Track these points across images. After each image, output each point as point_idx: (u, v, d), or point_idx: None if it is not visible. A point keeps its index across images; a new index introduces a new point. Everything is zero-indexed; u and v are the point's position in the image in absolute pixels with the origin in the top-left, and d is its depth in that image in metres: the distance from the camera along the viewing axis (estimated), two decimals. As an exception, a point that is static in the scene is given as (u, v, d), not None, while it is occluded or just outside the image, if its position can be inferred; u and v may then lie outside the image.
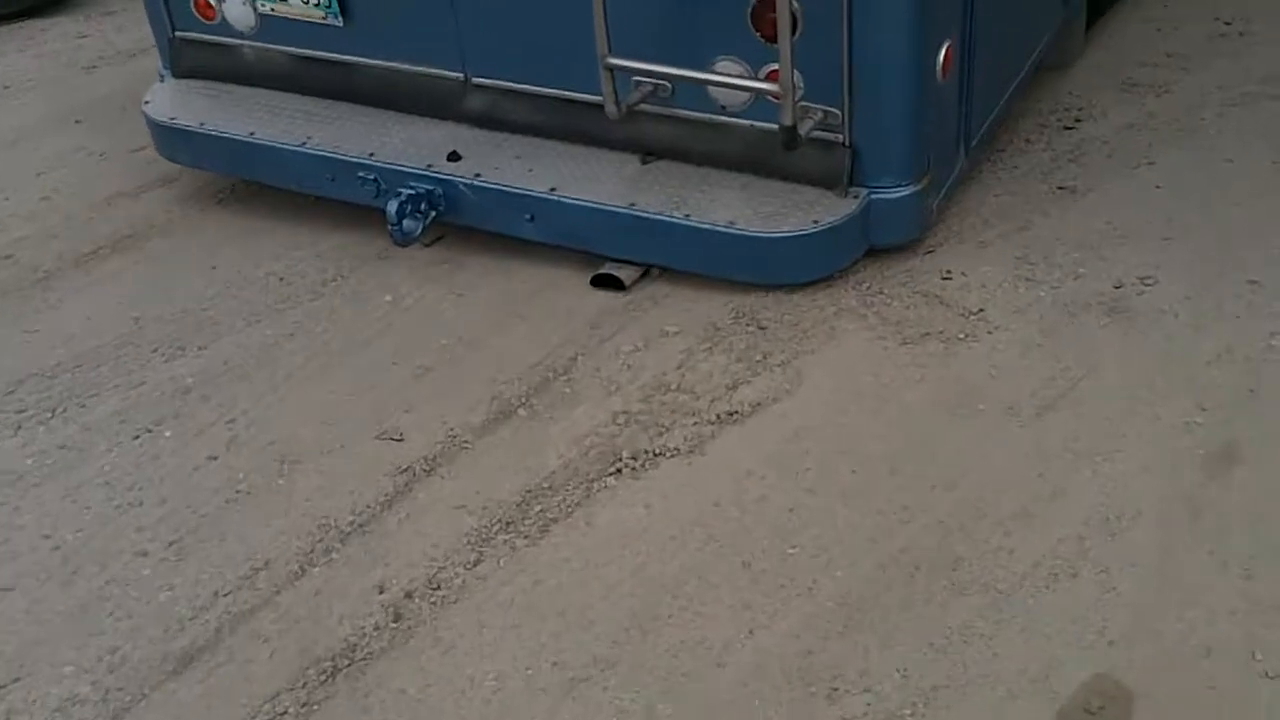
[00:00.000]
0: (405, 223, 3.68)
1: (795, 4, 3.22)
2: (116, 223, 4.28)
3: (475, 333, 3.58)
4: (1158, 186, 4.03)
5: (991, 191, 4.09)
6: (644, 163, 3.72)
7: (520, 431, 3.19)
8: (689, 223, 3.49)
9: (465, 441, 3.16)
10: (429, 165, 3.78)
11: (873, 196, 3.52)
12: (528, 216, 3.68)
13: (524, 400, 3.29)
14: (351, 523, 2.92)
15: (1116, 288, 3.55)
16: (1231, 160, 4.14)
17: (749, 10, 3.37)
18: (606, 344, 3.47)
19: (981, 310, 3.49)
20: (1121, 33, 5.01)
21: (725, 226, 3.46)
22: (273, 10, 4.05)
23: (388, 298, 3.76)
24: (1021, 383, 3.21)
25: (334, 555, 2.84)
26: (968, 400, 3.17)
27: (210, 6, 4.18)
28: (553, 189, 3.64)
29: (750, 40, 3.40)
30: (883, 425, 3.10)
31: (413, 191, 3.70)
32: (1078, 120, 4.50)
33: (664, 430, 3.13)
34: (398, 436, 3.20)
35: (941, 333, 3.41)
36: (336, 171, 3.90)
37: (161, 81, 4.45)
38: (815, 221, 3.46)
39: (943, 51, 3.43)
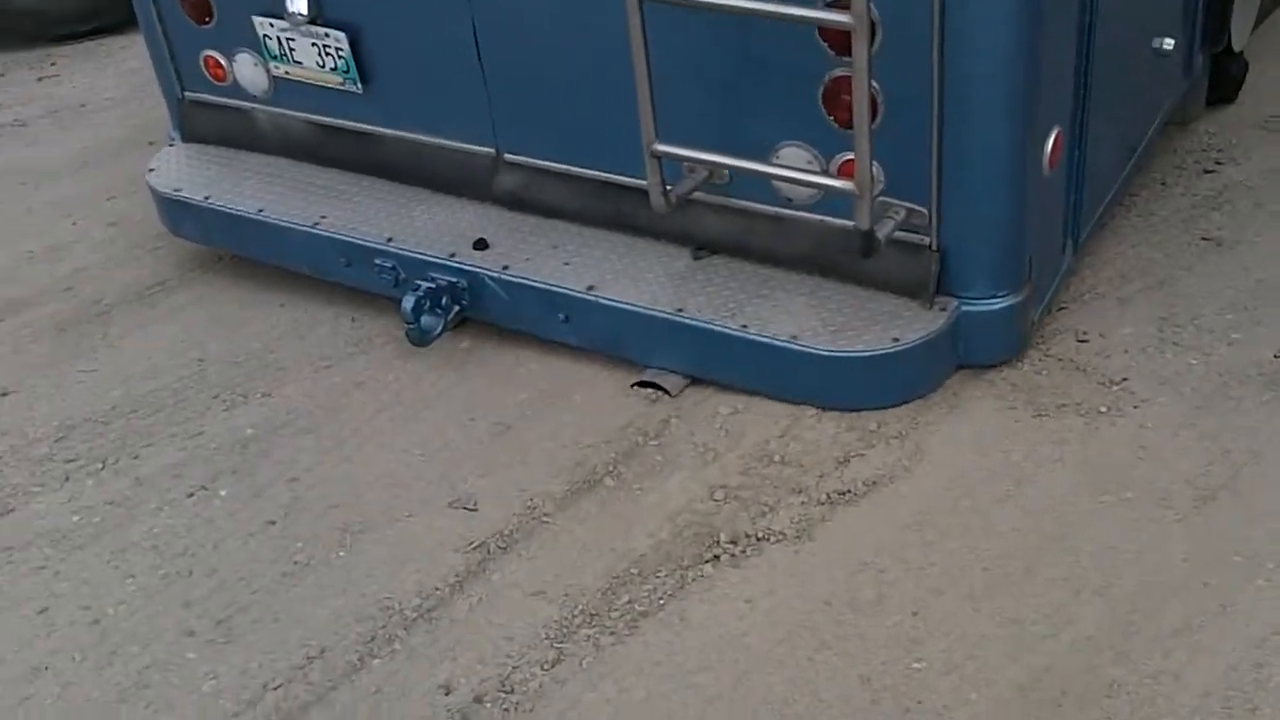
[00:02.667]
0: (424, 319, 3.27)
1: (875, 85, 2.69)
2: (183, 254, 4.04)
3: (558, 386, 3.28)
4: (1314, 240, 3.63)
5: (1128, 241, 3.71)
6: (696, 258, 3.26)
7: (607, 505, 2.87)
8: (745, 335, 3.02)
9: (545, 514, 2.85)
10: (452, 254, 3.36)
11: (964, 308, 3.02)
12: (562, 317, 3.24)
13: (611, 468, 2.97)
14: (418, 607, 2.62)
15: (1276, 357, 3.15)
16: (1400, 211, 3.73)
17: (821, 90, 2.88)
18: (702, 405, 3.14)
19: (1125, 379, 3.12)
20: (1258, 69, 4.57)
21: (787, 341, 2.98)
22: (286, 73, 3.67)
23: (464, 344, 3.47)
24: (1175, 467, 2.83)
25: (396, 646, 2.54)
26: (1114, 486, 2.79)
27: (220, 67, 3.83)
28: (590, 287, 3.20)
29: (822, 125, 2.92)
30: (1016, 513, 2.74)
31: (432, 285, 3.29)
32: (1218, 163, 4.11)
33: (767, 510, 2.80)
34: (471, 506, 2.89)
35: (1080, 405, 3.04)
36: (352, 257, 3.51)
37: (170, 146, 4.11)
38: (895, 339, 2.96)
39: (1050, 140, 2.94)
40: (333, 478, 3.04)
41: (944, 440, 2.97)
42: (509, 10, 3.20)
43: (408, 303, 3.23)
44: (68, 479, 3.13)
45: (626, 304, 3.15)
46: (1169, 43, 3.49)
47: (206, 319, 3.76)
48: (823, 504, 2.81)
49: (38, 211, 4.58)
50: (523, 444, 3.08)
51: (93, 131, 5.25)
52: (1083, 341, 3.26)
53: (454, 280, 3.32)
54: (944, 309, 3.01)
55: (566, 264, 3.29)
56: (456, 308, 3.33)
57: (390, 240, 3.45)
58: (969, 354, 3.10)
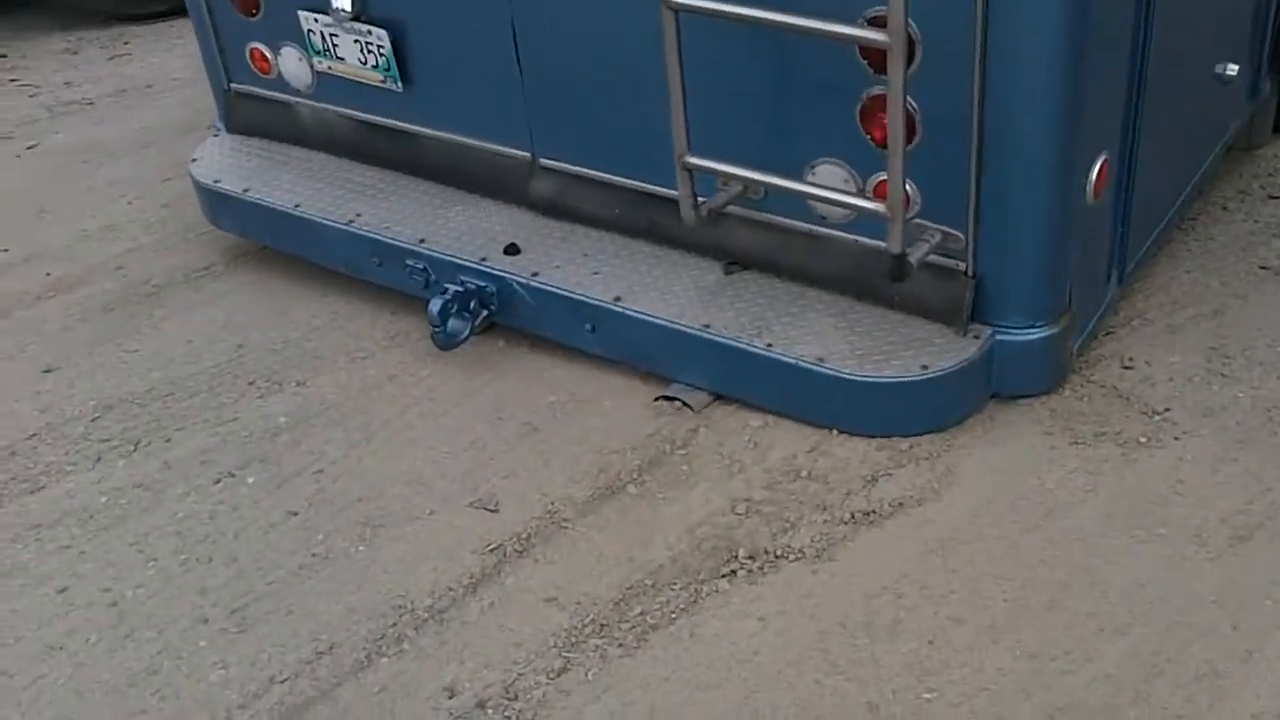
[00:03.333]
0: (451, 323, 3.24)
1: (913, 105, 2.66)
2: (231, 239, 4.06)
3: (589, 390, 3.26)
4: (1381, 275, 3.50)
5: (1183, 266, 3.61)
6: (727, 272, 3.20)
7: (628, 513, 2.84)
8: (770, 354, 2.94)
9: (565, 520, 2.83)
10: (483, 259, 3.33)
11: (998, 337, 2.93)
12: (588, 326, 3.19)
13: (635, 475, 2.95)
14: (430, 607, 2.62)
15: (1329, 394, 3.06)
16: None
17: (859, 107, 2.80)
18: (732, 416, 3.11)
19: (1167, 410, 3.03)
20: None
21: (813, 364, 2.90)
22: (330, 69, 3.67)
23: (500, 343, 3.46)
24: (1212, 504, 2.75)
25: (405, 645, 2.53)
26: (1147, 521, 2.71)
27: (266, 60, 3.84)
28: (617, 298, 3.14)
29: (859, 143, 2.84)
30: (1044, 544, 2.67)
31: (461, 289, 3.26)
32: (1285, 189, 3.99)
33: (789, 526, 2.76)
34: (492, 507, 2.88)
35: (1119, 434, 2.96)
36: (384, 256, 3.49)
37: (215, 136, 4.14)
38: (924, 366, 2.86)
39: (1096, 168, 2.82)
40: (358, 471, 3.04)
41: (976, 464, 2.90)
42: (549, 15, 3.17)
43: (435, 305, 3.22)
44: (100, 459, 3.16)
45: (652, 317, 3.10)
46: (1233, 68, 3.37)
47: (250, 305, 3.78)
48: (846, 523, 2.76)
49: (97, 190, 4.65)
50: (549, 447, 3.07)
51: (157, 113, 5.32)
52: (1127, 368, 3.18)
53: (483, 285, 3.30)
54: (978, 337, 2.93)
55: (596, 273, 3.25)
56: (484, 312, 3.30)
57: (422, 241, 3.43)
58: (1002, 385, 3.01)
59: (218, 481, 3.05)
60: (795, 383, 2.95)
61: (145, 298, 3.89)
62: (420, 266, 3.41)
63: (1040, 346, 2.95)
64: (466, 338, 3.28)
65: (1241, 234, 3.74)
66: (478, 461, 3.04)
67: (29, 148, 5.11)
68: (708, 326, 3.03)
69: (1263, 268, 3.58)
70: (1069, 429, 2.99)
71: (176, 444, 3.20)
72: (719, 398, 3.13)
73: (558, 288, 3.22)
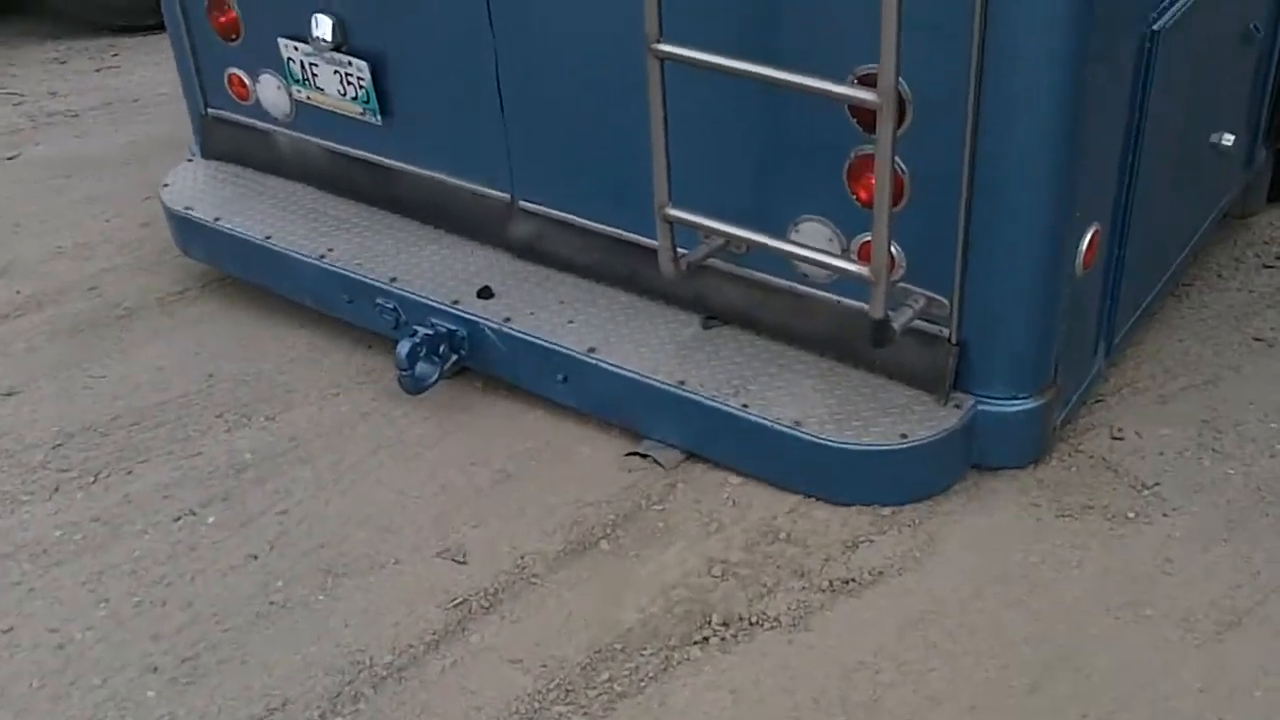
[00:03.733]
0: (419, 367, 3.14)
1: (901, 166, 2.60)
2: (208, 263, 3.98)
3: (566, 436, 3.17)
4: (1377, 351, 3.44)
5: (1176, 334, 3.54)
6: (706, 326, 3.12)
7: (599, 570, 2.75)
8: (746, 415, 2.85)
9: (535, 575, 2.74)
10: (455, 301, 3.24)
11: (980, 408, 2.84)
12: (560, 377, 3.11)
13: (609, 530, 2.86)
14: (390, 664, 2.52)
15: (1322, 475, 2.99)
16: None
17: (846, 165, 2.73)
18: (711, 471, 3.02)
19: (1157, 484, 2.96)
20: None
21: (789, 427, 2.81)
22: (308, 98, 3.59)
23: (478, 384, 3.37)
24: (1200, 586, 2.67)
25: (361, 705, 2.43)
26: (1134, 601, 2.64)
27: (244, 86, 3.75)
28: (591, 349, 3.06)
29: (844, 202, 2.76)
30: (1028, 621, 2.59)
31: (431, 332, 3.17)
32: (1278, 258, 3.93)
33: (765, 592, 2.67)
34: (460, 558, 2.79)
35: (1107, 508, 2.89)
36: (354, 293, 3.40)
37: (189, 161, 4.04)
38: (903, 435, 2.77)
39: (1086, 239, 2.75)
40: (323, 514, 2.95)
41: (960, 533, 2.83)
42: (534, 54, 3.09)
43: (403, 348, 3.11)
44: (57, 489, 3.06)
45: (626, 371, 3.01)
46: (1229, 138, 3.30)
47: (223, 333, 3.69)
48: (824, 591, 2.67)
49: (75, 206, 4.56)
50: (522, 496, 2.98)
51: (143, 127, 5.24)
52: (1117, 439, 3.11)
53: (454, 328, 3.21)
54: (959, 406, 2.84)
55: (570, 322, 3.16)
56: (454, 356, 3.21)
57: (394, 280, 3.35)
58: (984, 456, 2.92)
59: (178, 519, 2.96)
60: (770, 446, 2.87)
61: (116, 320, 3.80)
62: (390, 306, 3.33)
63: (1023, 419, 2.87)
64: (435, 382, 3.19)
65: (1236, 303, 3.68)
66: (448, 508, 2.95)
67: (9, 158, 5.02)
68: (683, 383, 2.95)
69: (1256, 339, 3.51)
70: (1056, 500, 2.91)
71: (138, 477, 3.10)
72: (692, 455, 3.04)
73: (530, 335, 3.14)
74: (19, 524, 2.95)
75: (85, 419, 3.33)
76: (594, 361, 3.04)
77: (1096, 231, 2.79)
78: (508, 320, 3.18)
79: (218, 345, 3.64)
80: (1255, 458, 3.04)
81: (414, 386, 3.16)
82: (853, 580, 2.70)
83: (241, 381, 3.46)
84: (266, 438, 3.23)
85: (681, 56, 2.57)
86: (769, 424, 2.83)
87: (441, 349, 3.19)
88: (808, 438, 2.80)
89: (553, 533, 2.86)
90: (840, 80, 2.52)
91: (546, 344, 3.10)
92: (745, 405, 2.87)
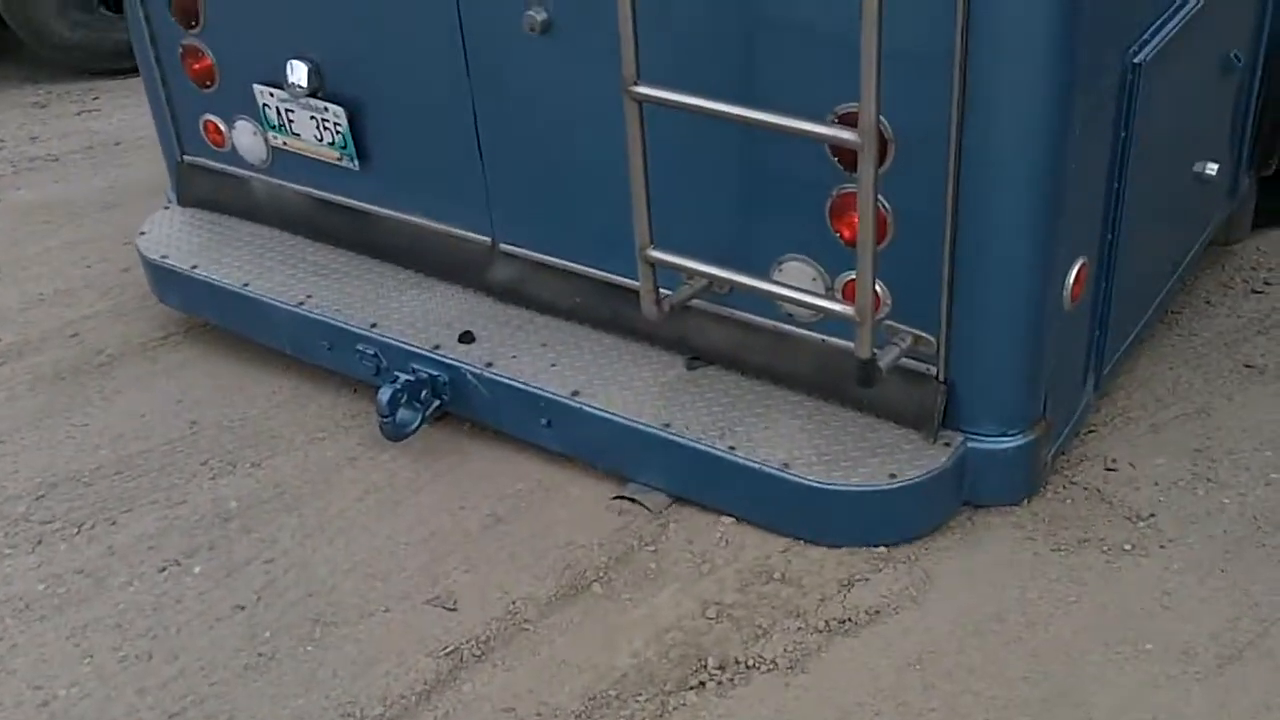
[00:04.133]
0: (400, 414, 3.08)
1: (885, 204, 2.56)
2: (191, 308, 3.94)
3: (557, 478, 3.14)
4: (1369, 376, 3.43)
5: (1166, 362, 3.53)
6: (690, 368, 3.07)
7: (592, 614, 2.72)
8: (733, 458, 2.81)
9: (526, 620, 2.70)
10: (436, 346, 3.20)
11: (970, 445, 2.80)
12: (544, 421, 3.05)
13: (601, 573, 2.83)
14: (380, 716, 2.48)
15: (1317, 502, 2.97)
16: None
17: (829, 204, 2.69)
18: (704, 512, 2.99)
19: (1152, 516, 2.94)
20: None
21: (777, 469, 2.76)
22: (285, 144, 3.54)
23: (466, 425, 3.33)
24: (1200, 620, 2.65)
25: (352, 759, 2.39)
26: (1133, 635, 2.61)
27: (220, 132, 3.71)
28: (575, 393, 3.01)
29: (827, 241, 2.72)
30: (1026, 659, 2.56)
31: (412, 378, 3.13)
32: (1267, 284, 3.93)
33: (761, 634, 2.64)
34: (451, 605, 2.75)
35: (1103, 540, 2.86)
36: (334, 340, 3.35)
37: (165, 209, 3.98)
38: (892, 475, 2.73)
39: (1073, 272, 2.72)
40: (311, 562, 2.91)
41: (955, 569, 2.80)
42: (511, 96, 3.05)
43: (384, 395, 3.06)
44: (40, 542, 3.02)
45: (610, 414, 2.96)
46: (1213, 167, 3.29)
47: (207, 379, 3.66)
48: (820, 631, 2.64)
49: (55, 252, 4.53)
50: (512, 539, 2.94)
51: (124, 171, 5.21)
52: (1110, 470, 3.09)
53: (435, 374, 3.16)
54: (949, 445, 2.79)
55: (553, 365, 3.11)
56: (436, 402, 3.16)
57: (374, 326, 3.30)
58: (975, 494, 2.89)
59: (163, 570, 2.91)
60: (757, 488, 2.82)
61: (97, 368, 3.76)
62: (371, 352, 3.27)
63: (1014, 455, 2.83)
64: (416, 429, 3.13)
65: (1226, 330, 3.67)
66: (437, 554, 2.91)
67: (-11, 204, 4.99)
68: (668, 425, 2.91)
69: (1247, 365, 3.50)
70: (1051, 534, 2.89)
71: (122, 527, 3.06)
72: (679, 499, 3.01)
73: (513, 379, 3.09)
74: (2, 578, 2.90)
75: (68, 469, 3.29)
76: (578, 405, 2.99)
77: (1084, 265, 2.77)
78: (489, 365, 3.13)
79: (201, 391, 3.60)
80: (1250, 486, 3.02)
81: (395, 433, 3.11)
82: (849, 620, 2.67)
83: (226, 428, 3.42)
84: (252, 485, 3.19)
85: (659, 99, 2.53)
86: (756, 466, 2.79)
87: (423, 395, 3.14)
88: (795, 479, 2.76)
89: (544, 576, 2.82)
90: (820, 119, 2.50)
91: (529, 388, 3.06)
92: (732, 447, 2.83)
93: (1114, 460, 3.12)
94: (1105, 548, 2.84)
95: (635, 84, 2.53)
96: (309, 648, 2.66)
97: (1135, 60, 2.70)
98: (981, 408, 2.78)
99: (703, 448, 2.85)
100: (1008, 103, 2.45)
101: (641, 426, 2.92)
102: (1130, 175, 2.82)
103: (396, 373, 3.17)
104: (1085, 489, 3.03)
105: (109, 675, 2.61)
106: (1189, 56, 2.98)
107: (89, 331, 3.94)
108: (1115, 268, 2.93)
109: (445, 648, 2.63)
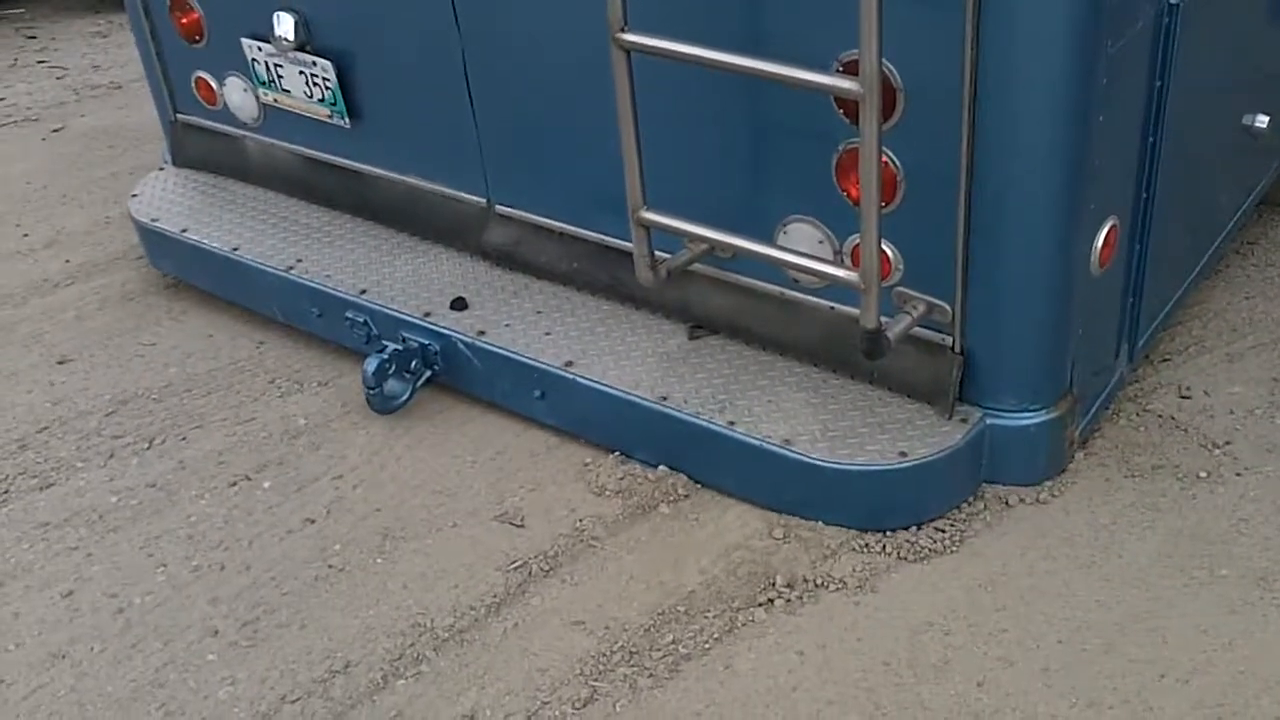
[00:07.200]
0: (388, 385, 3.00)
1: (894, 161, 2.37)
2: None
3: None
4: None
5: (1241, 292, 3.47)
6: (692, 336, 2.92)
7: (659, 533, 2.71)
8: (733, 434, 2.63)
9: (594, 538, 2.70)
10: (427, 314, 3.07)
11: (989, 421, 2.61)
12: (537, 393, 2.91)
13: (668, 494, 2.81)
14: (451, 626, 2.49)
15: (1399, 432, 2.90)
16: None
17: (835, 160, 2.49)
18: (771, 434, 2.96)
19: (1228, 443, 2.88)
20: None
21: (779, 446, 2.58)
22: (275, 101, 3.43)
23: (530, 348, 3.32)
24: (1276, 547, 2.60)
25: (424, 667, 2.40)
26: (1208, 561, 2.57)
27: (211, 90, 3.60)
28: (569, 363, 2.86)
29: (835, 200, 2.51)
30: (1099, 583, 2.53)
31: (400, 347, 3.01)
32: (1346, 216, 3.83)
33: (829, 554, 2.62)
34: (518, 522, 2.76)
35: (1178, 468, 2.82)
36: (324, 306, 3.24)
37: (160, 169, 3.92)
38: (902, 453, 2.53)
39: (1102, 234, 2.50)
40: (380, 479, 2.92)
41: (1028, 493, 2.76)
42: (501, 49, 2.91)
43: (370, 365, 2.96)
44: (112, 456, 3.05)
45: (605, 386, 2.80)
46: (1263, 120, 3.06)
47: (272, 300, 3.66)
48: (889, 554, 2.62)
49: (120, 177, 4.56)
50: (579, 459, 2.94)
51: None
52: (1185, 398, 3.04)
53: (426, 343, 3.05)
54: (965, 420, 2.61)
55: (548, 334, 2.98)
56: (427, 372, 3.07)
57: (364, 292, 3.18)
58: (994, 473, 2.70)
59: (233, 484, 2.94)
60: (758, 466, 2.64)
61: (165, 289, 3.79)
62: (361, 320, 3.17)
63: (1036, 432, 2.64)
64: (406, 400, 3.06)
65: (1303, 261, 3.59)
66: (505, 471, 2.92)
67: (55, 131, 5.03)
68: (665, 399, 2.75)
69: (1326, 297, 3.43)
70: (1125, 461, 2.84)
71: (192, 443, 3.09)
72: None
73: (505, 349, 2.95)
74: (75, 490, 2.94)
75: (138, 386, 3.32)
76: (571, 376, 2.85)
77: (1114, 226, 2.56)
78: (481, 334, 3.00)
79: (267, 312, 3.61)
80: (1329, 416, 2.96)
81: (383, 406, 3.03)
82: (918, 543, 2.64)
83: (293, 347, 3.44)
84: (319, 403, 3.21)
85: (648, 47, 2.33)
86: (757, 443, 2.62)
87: (413, 365, 3.04)
88: (799, 457, 2.57)
89: (611, 496, 2.82)
90: (823, 69, 2.32)
91: (522, 358, 2.92)
92: (732, 423, 2.66)
93: (1188, 388, 3.07)
94: (1180, 475, 2.80)
95: (622, 30, 2.34)
96: (379, 560, 2.67)
97: (1172, 1, 2.49)
98: (1001, 381, 2.60)
99: (702, 423, 2.69)
100: (1026, 49, 2.23)
101: (637, 399, 2.77)
102: (1167, 128, 2.60)
103: (385, 342, 3.08)
104: (1159, 416, 2.98)
105: (182, 584, 2.64)
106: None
107: (155, 254, 3.95)
108: (1150, 230, 2.72)
109: (513, 562, 2.64)
